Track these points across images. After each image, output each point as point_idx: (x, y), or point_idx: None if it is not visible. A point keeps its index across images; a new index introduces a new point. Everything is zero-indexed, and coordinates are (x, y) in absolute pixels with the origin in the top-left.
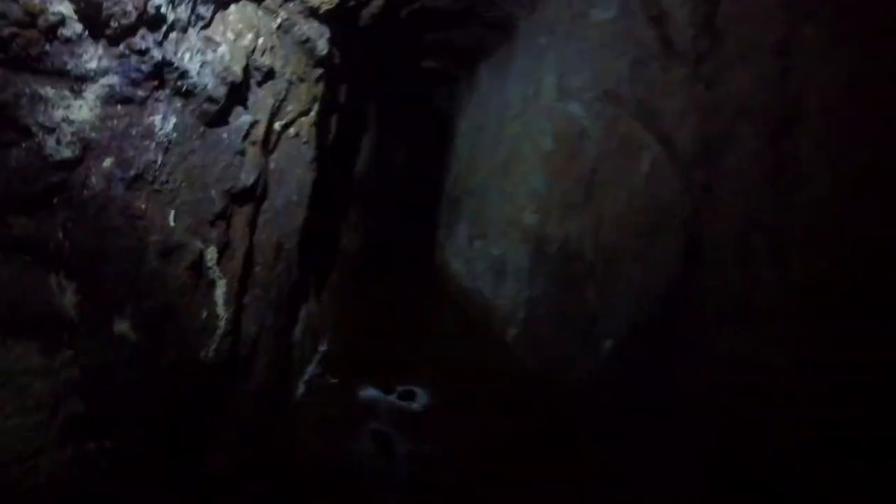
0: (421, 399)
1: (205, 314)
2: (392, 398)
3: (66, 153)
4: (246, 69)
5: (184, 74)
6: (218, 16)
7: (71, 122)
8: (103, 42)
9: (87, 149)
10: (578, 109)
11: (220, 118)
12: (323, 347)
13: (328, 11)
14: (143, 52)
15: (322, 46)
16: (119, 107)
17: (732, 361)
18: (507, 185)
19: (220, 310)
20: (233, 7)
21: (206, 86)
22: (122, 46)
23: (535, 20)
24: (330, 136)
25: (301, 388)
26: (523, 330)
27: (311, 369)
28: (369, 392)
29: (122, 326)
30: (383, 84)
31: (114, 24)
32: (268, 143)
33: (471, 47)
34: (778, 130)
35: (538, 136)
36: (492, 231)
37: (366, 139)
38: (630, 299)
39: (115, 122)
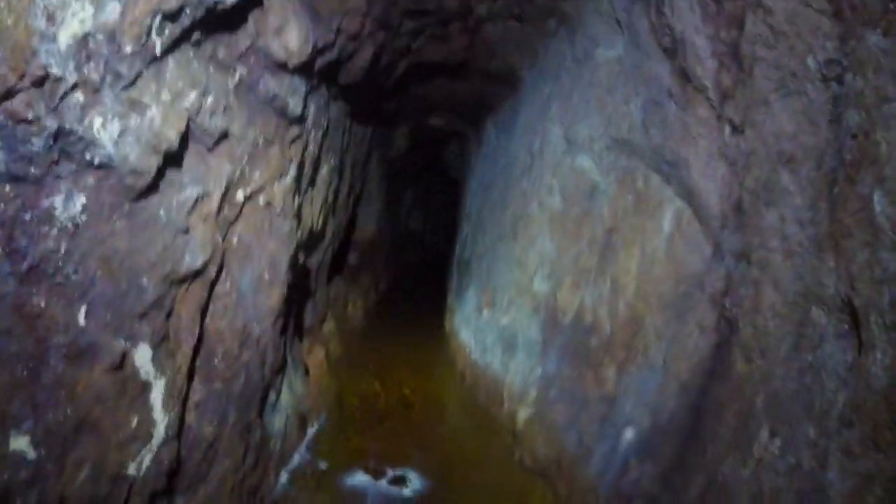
0: (413, 485)
1: (135, 421)
2: (382, 484)
3: None
4: (186, 134)
5: (93, 145)
6: (148, 73)
7: None
8: None
9: None
10: (588, 162)
11: (151, 193)
12: (313, 429)
13: (299, 66)
14: (30, 122)
15: (295, 105)
16: (7, 188)
17: (778, 476)
18: (515, 248)
19: (158, 414)
20: (171, 63)
21: (126, 157)
22: (0, 116)
23: (538, 69)
24: (320, 202)
25: (283, 478)
26: (535, 412)
27: (297, 456)
28: (358, 478)
29: (19, 443)
30: (391, 144)
31: None
32: (225, 217)
33: (475, 102)
34: (834, 179)
35: (546, 194)
36: (500, 298)
37: (376, 200)
38: (654, 383)
39: (2, 206)
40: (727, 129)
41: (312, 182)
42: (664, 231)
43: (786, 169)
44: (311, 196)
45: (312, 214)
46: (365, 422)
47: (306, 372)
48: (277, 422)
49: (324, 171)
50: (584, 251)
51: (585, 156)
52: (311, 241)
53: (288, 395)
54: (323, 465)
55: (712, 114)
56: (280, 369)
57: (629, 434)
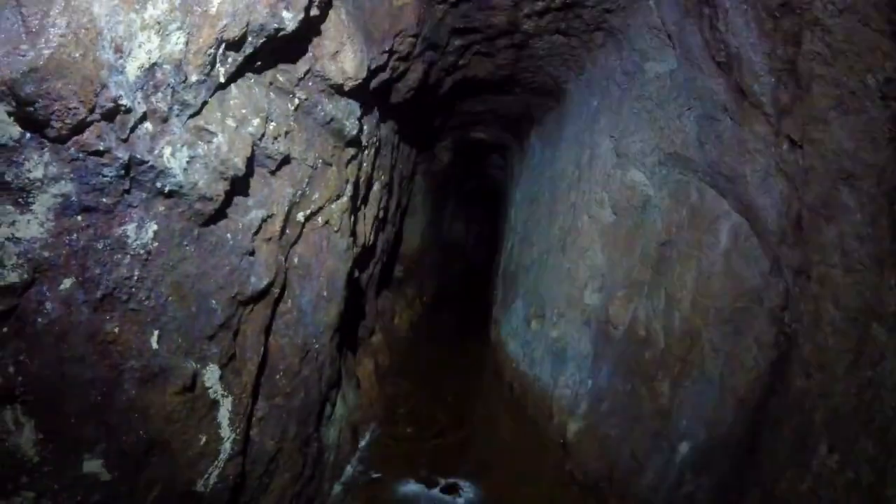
0: (466, 495)
1: (203, 439)
2: (434, 493)
3: (12, 277)
4: (251, 159)
5: (163, 173)
6: (213, 101)
7: (17, 241)
8: (49, 145)
9: (39, 270)
10: (640, 176)
11: (219, 217)
12: (365, 440)
13: (355, 88)
14: (101, 153)
15: (351, 126)
16: (79, 218)
17: (836, 491)
18: (564, 260)
19: (225, 431)
20: (234, 90)
21: (195, 184)
22: (72, 148)
23: (585, 82)
24: (371, 219)
25: (337, 489)
26: (586, 425)
27: (349, 467)
28: (410, 487)
29: (92, 465)
30: (435, 158)
31: (56, 123)
32: (287, 238)
33: (519, 115)
34: (895, 197)
35: (596, 207)
36: (550, 311)
37: (420, 212)
38: (710, 397)
39: (75, 236)
40: (785, 145)
41: (365, 200)
42: (721, 245)
43: (845, 185)
44: (363, 213)
45: (365, 231)
46: (414, 432)
47: (358, 384)
48: (332, 433)
49: (375, 188)
50: (637, 264)
51: (637, 169)
52: (363, 257)
53: (342, 407)
54: (375, 475)
55: (769, 129)
56: (335, 383)
57: (684, 448)
